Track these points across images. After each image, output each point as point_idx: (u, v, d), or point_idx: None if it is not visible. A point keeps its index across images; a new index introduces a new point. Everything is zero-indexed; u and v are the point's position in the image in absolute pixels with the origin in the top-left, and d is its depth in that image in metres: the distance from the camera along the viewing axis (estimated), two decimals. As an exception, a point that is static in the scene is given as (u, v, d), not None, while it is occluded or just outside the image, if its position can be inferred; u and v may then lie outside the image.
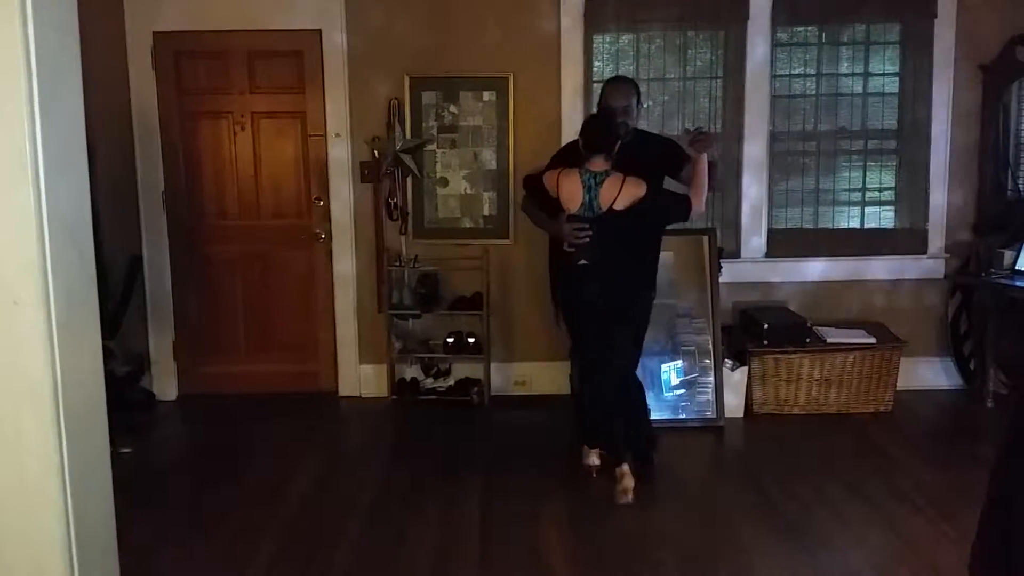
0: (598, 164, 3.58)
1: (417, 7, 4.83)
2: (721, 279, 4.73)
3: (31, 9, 1.70)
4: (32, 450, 1.81)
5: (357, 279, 5.04)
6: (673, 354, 4.60)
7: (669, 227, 3.93)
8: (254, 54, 4.90)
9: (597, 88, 4.88)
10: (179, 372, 5.12)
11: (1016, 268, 4.63)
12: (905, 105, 4.99)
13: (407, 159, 4.85)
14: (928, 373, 5.09)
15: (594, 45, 4.91)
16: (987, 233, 4.92)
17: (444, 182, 4.97)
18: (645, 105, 4.04)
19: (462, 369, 5.07)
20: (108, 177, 4.58)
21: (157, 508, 3.69)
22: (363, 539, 3.40)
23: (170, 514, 3.66)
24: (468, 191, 4.97)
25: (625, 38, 4.96)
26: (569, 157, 3.77)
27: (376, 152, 4.90)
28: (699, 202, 3.63)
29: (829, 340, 4.69)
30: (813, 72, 5.00)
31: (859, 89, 5.00)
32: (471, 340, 4.93)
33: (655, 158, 3.80)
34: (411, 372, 5.09)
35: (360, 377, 5.10)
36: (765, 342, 4.66)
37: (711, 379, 4.60)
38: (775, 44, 4.92)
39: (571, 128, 4.81)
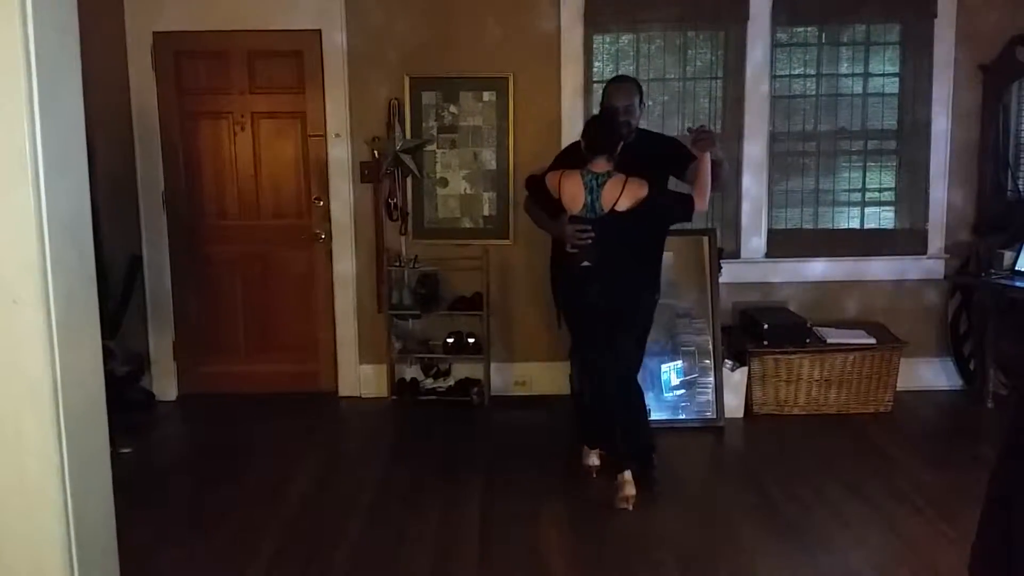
0: (600, 165, 3.57)
1: (417, 7, 4.83)
2: (721, 279, 4.73)
3: (31, 9, 1.70)
4: (32, 450, 1.81)
5: (357, 279, 5.04)
6: (673, 354, 4.60)
7: (672, 227, 3.93)
8: (254, 54, 4.90)
9: (597, 88, 4.88)
10: (179, 372, 5.12)
11: (1016, 268, 4.63)
12: (905, 105, 4.99)
13: (407, 159, 4.85)
14: (928, 373, 5.09)
15: (594, 45, 4.91)
16: (987, 233, 4.92)
17: (444, 182, 4.97)
18: (647, 104, 4.03)
19: (462, 369, 5.07)
20: (108, 177, 4.59)
21: (157, 508, 3.68)
22: (363, 539, 3.40)
23: (170, 514, 3.66)
24: (468, 191, 4.97)
25: (625, 38, 4.96)
26: (572, 158, 3.75)
27: (376, 152, 4.90)
28: (702, 202, 3.61)
29: (829, 340, 4.69)
30: (813, 72, 5.01)
31: (859, 89, 5.00)
32: (471, 340, 4.93)
33: (659, 158, 3.78)
34: (411, 372, 5.09)
35: (360, 377, 5.10)
36: (765, 342, 4.66)
37: (711, 379, 4.60)
38: (775, 44, 4.92)
39: (571, 128, 4.82)
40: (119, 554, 2.08)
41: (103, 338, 2.03)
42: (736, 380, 4.67)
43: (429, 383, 5.07)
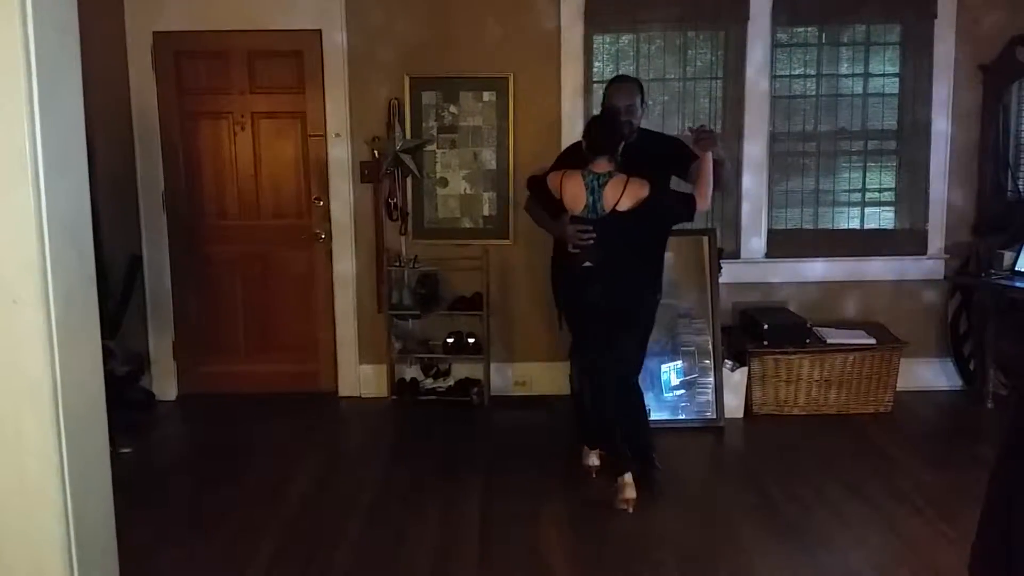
0: (601, 166, 3.56)
1: (417, 7, 4.83)
2: (721, 279, 4.73)
3: (31, 8, 1.70)
4: (32, 450, 1.81)
5: (357, 279, 5.04)
6: (673, 354, 4.60)
7: (673, 227, 3.93)
8: (254, 54, 4.90)
9: (597, 88, 4.89)
10: (179, 372, 5.12)
11: (1016, 269, 4.63)
12: (905, 105, 4.99)
13: (407, 159, 4.85)
14: (928, 374, 5.09)
15: (594, 45, 4.91)
16: (987, 234, 4.92)
17: (444, 182, 4.97)
18: (648, 104, 4.03)
19: (462, 369, 5.07)
20: (108, 177, 4.59)
21: (157, 508, 3.68)
22: (363, 539, 3.40)
23: (170, 514, 3.66)
24: (468, 191, 4.97)
25: (625, 38, 4.96)
26: (573, 158, 3.74)
27: (376, 152, 4.90)
28: (703, 201, 3.59)
29: (829, 341, 4.69)
30: (813, 73, 5.00)
31: (859, 90, 5.00)
32: (471, 340, 4.93)
33: (662, 157, 3.77)
34: (411, 372, 5.09)
35: (360, 377, 5.10)
36: (765, 343, 4.66)
37: (711, 380, 4.60)
38: (775, 44, 4.92)
39: (571, 128, 4.82)
40: (119, 554, 2.08)
41: (103, 338, 2.03)
42: (736, 380, 4.67)
43: (429, 383, 5.07)
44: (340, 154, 4.93)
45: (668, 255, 4.04)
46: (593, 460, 3.92)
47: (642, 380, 3.94)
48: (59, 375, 1.80)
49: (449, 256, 4.94)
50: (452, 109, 4.90)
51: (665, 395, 4.57)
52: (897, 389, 4.76)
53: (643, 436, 3.88)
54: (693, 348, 4.62)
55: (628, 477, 3.60)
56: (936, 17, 4.84)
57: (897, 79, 4.99)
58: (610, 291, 3.59)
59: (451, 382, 5.06)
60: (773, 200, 5.03)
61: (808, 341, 4.69)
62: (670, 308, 4.54)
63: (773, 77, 4.93)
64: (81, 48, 1.92)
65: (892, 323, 4.96)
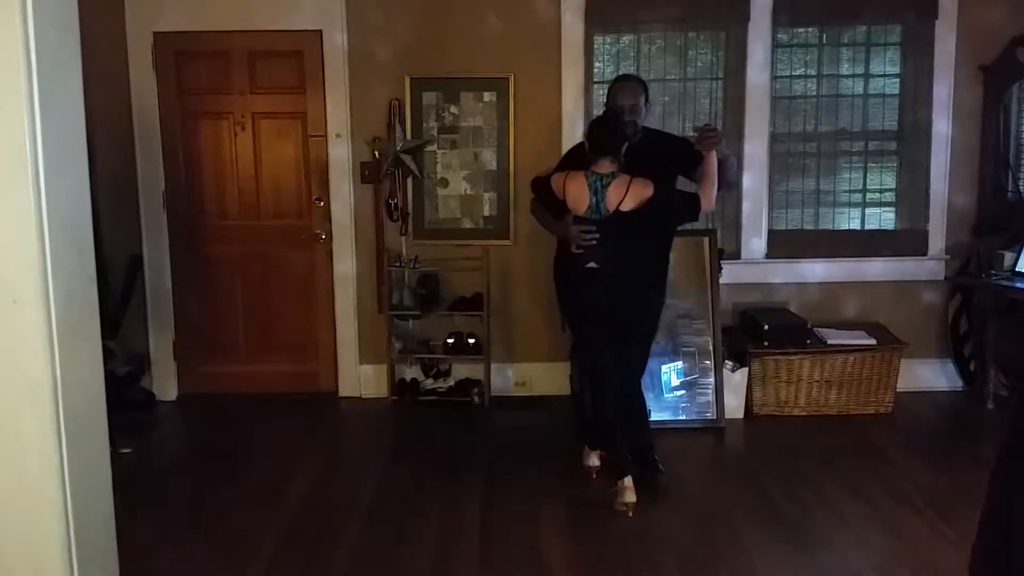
0: (604, 166, 3.55)
1: (418, 7, 4.83)
2: (721, 280, 4.72)
3: (31, 8, 1.70)
4: (32, 450, 1.80)
5: (357, 279, 5.04)
6: (673, 355, 4.59)
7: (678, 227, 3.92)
8: (255, 54, 4.90)
9: (598, 89, 4.89)
10: (179, 372, 5.12)
11: (1016, 269, 4.62)
12: (906, 106, 4.99)
13: (407, 160, 4.85)
14: (928, 374, 5.08)
15: (595, 46, 4.91)
16: (987, 234, 4.91)
17: (444, 183, 4.97)
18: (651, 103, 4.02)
19: (462, 370, 5.06)
20: (108, 176, 4.59)
21: (157, 508, 3.68)
22: (363, 539, 3.40)
23: (170, 514, 3.66)
24: (468, 192, 4.97)
25: (626, 39, 4.96)
26: (577, 159, 3.72)
27: (376, 153, 4.90)
28: (708, 201, 3.57)
29: (829, 341, 4.69)
30: (814, 73, 5.00)
31: (860, 90, 5.00)
32: (471, 341, 4.93)
33: (667, 157, 3.74)
34: (411, 373, 5.09)
35: (360, 377, 5.10)
36: (765, 343, 4.66)
37: (711, 380, 4.60)
38: (776, 45, 4.92)
39: (571, 129, 4.82)
40: (119, 554, 2.08)
41: (103, 338, 2.03)
42: (736, 381, 4.67)
43: (429, 383, 5.07)
44: (341, 154, 4.93)
45: (670, 255, 4.02)
46: (593, 461, 3.92)
47: (643, 381, 3.94)
48: (59, 375, 1.80)
49: (449, 256, 4.94)
50: (453, 109, 4.90)
51: (665, 396, 4.57)
52: (897, 390, 4.75)
53: (644, 438, 3.87)
54: (693, 349, 4.62)
55: (628, 481, 3.59)
56: (937, 18, 4.84)
57: (898, 79, 4.99)
58: (613, 292, 3.58)
59: (451, 382, 5.06)
60: (773, 200, 5.03)
61: (808, 342, 4.69)
62: (671, 308, 4.53)
63: (774, 77, 4.93)
64: (81, 47, 1.91)
65: (892, 324, 4.96)
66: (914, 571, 3.12)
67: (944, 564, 3.13)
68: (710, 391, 4.60)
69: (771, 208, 5.03)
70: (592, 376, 3.82)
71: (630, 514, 3.54)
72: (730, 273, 4.82)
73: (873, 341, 4.70)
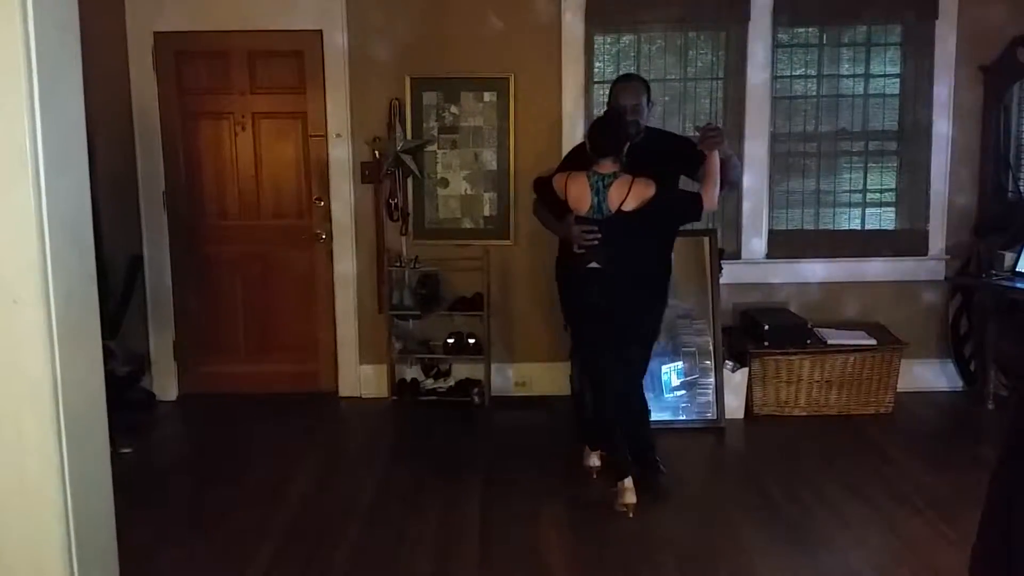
0: (606, 166, 3.53)
1: (418, 7, 4.83)
2: (722, 280, 4.72)
3: (32, 7, 1.70)
4: (32, 450, 1.80)
5: (357, 279, 5.04)
6: (674, 355, 4.59)
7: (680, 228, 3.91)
8: (255, 54, 4.90)
9: (598, 88, 4.89)
10: (179, 372, 5.12)
11: (1017, 270, 4.62)
12: (906, 106, 4.99)
13: (408, 160, 4.84)
14: (928, 375, 5.08)
15: (595, 46, 4.91)
16: (988, 234, 4.91)
17: (445, 183, 4.97)
18: (654, 103, 4.00)
19: (462, 370, 5.06)
20: (108, 176, 4.59)
21: (157, 508, 3.68)
22: (363, 539, 3.40)
23: (170, 514, 3.66)
24: (469, 192, 4.97)
25: (626, 39, 4.96)
26: (579, 159, 3.71)
27: (377, 152, 4.90)
28: (711, 200, 3.55)
29: (829, 341, 4.69)
30: (814, 73, 5.00)
31: (860, 90, 5.00)
32: (471, 341, 4.93)
33: (670, 157, 3.73)
34: (411, 373, 5.09)
35: (360, 377, 5.10)
36: (766, 343, 4.65)
37: (712, 380, 4.60)
38: (776, 45, 4.92)
39: (572, 129, 4.82)
40: (119, 554, 2.08)
41: (103, 338, 2.03)
42: (737, 381, 4.67)
43: (429, 383, 5.07)
44: (341, 154, 4.93)
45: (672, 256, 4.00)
46: (594, 461, 3.92)
47: (643, 381, 3.93)
48: (59, 375, 1.80)
49: (450, 256, 4.94)
50: (453, 109, 4.90)
51: (666, 396, 4.57)
52: (898, 390, 4.75)
53: (645, 438, 3.87)
54: (694, 349, 4.62)
55: (628, 482, 3.58)
56: (937, 18, 4.84)
57: (898, 80, 4.99)
58: (615, 292, 3.56)
59: (451, 382, 5.06)
60: (774, 200, 5.03)
61: (809, 342, 4.69)
62: (671, 308, 4.51)
63: (774, 77, 4.93)
64: (82, 47, 1.92)
65: (893, 324, 4.96)
66: (914, 571, 3.12)
67: (944, 564, 3.13)
68: (710, 391, 4.59)
69: (771, 208, 5.02)
70: (592, 376, 3.82)
71: (630, 515, 3.54)
72: (730, 273, 4.82)
73: (873, 341, 4.70)
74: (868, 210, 5.10)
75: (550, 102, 4.87)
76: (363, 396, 5.09)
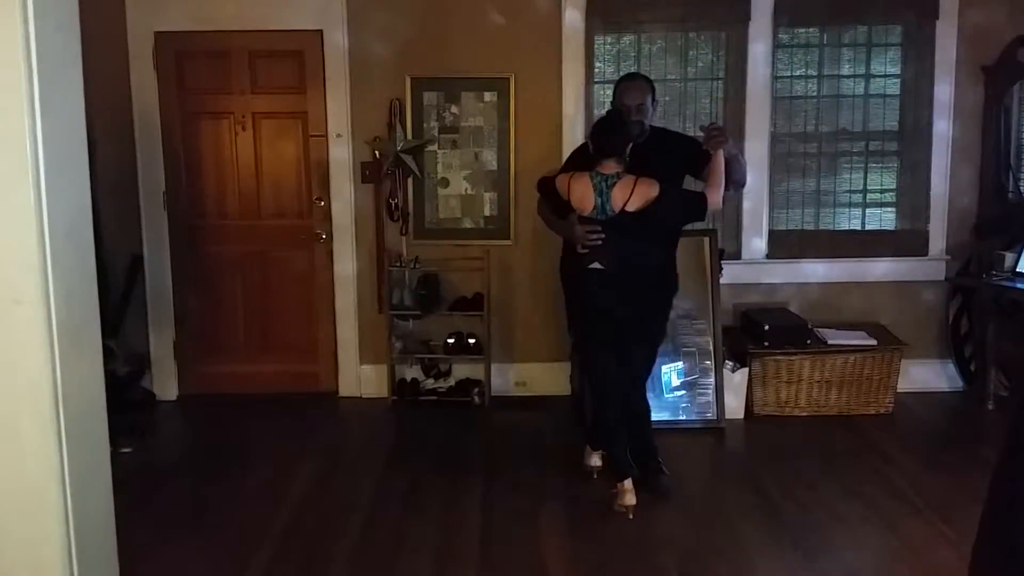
0: (609, 167, 3.51)
1: (418, 7, 4.83)
2: (722, 280, 4.72)
3: (32, 7, 1.70)
4: (32, 450, 1.80)
5: (358, 279, 5.04)
6: (674, 355, 4.59)
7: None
8: (255, 54, 4.89)
9: (599, 89, 4.89)
10: (179, 372, 5.12)
11: (1017, 270, 4.62)
12: (906, 106, 4.99)
13: (408, 159, 4.84)
14: (929, 375, 5.08)
15: (596, 46, 4.90)
16: (988, 235, 4.91)
17: (445, 183, 4.97)
18: (658, 102, 3.98)
19: (462, 370, 5.06)
20: (109, 176, 4.59)
21: (157, 508, 3.69)
22: (363, 540, 3.40)
23: (170, 514, 3.66)
24: (469, 192, 4.97)
25: (627, 39, 4.96)
26: (583, 159, 3.70)
27: (377, 152, 4.90)
28: (715, 200, 3.54)
29: (830, 342, 4.68)
30: (814, 73, 5.00)
31: (860, 90, 5.00)
32: (471, 341, 4.93)
33: (675, 157, 3.71)
34: (411, 373, 5.09)
35: (360, 377, 5.10)
36: (766, 343, 4.65)
37: (712, 380, 4.60)
38: (776, 45, 4.91)
39: (572, 129, 4.82)
40: (119, 554, 2.08)
41: (104, 338, 2.03)
42: (737, 381, 4.67)
43: (429, 383, 5.07)
44: (341, 154, 4.93)
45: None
46: (595, 461, 3.91)
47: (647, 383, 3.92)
48: (59, 375, 1.80)
49: (450, 256, 4.94)
50: (453, 109, 4.90)
51: (666, 396, 4.57)
52: (898, 390, 4.75)
53: (647, 439, 3.86)
54: (694, 349, 4.62)
55: (628, 483, 3.58)
56: (937, 18, 4.84)
57: (898, 80, 4.99)
58: (618, 293, 3.55)
59: (451, 382, 5.06)
60: (774, 201, 5.03)
61: (809, 342, 4.69)
62: (671, 309, 4.53)
63: (774, 78, 4.93)
64: (82, 47, 1.91)
65: (893, 324, 4.96)
66: (914, 571, 3.12)
67: (944, 564, 3.13)
68: (710, 391, 4.59)
69: (772, 208, 5.02)
70: (593, 377, 3.81)
71: (630, 516, 3.54)
72: (730, 273, 4.82)
73: (874, 341, 4.70)
74: (868, 210, 5.10)
75: (550, 102, 4.86)
76: (363, 396, 5.09)
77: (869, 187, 5.08)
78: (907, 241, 5.05)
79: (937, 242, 5.02)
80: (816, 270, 5.04)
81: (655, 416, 4.28)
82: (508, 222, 4.95)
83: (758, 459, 4.22)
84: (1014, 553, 1.75)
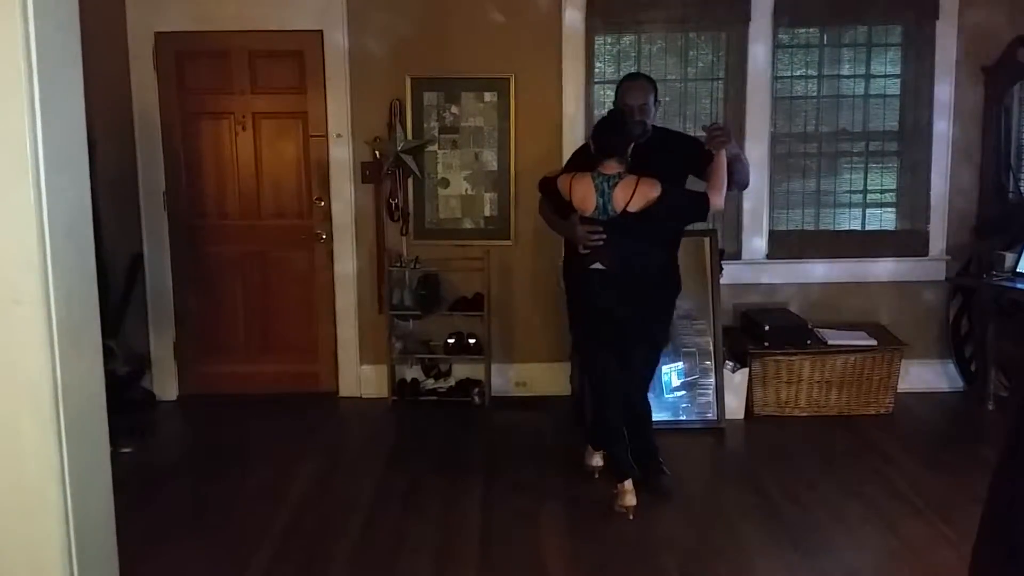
0: (611, 167, 3.50)
1: (418, 8, 4.83)
2: (722, 280, 4.72)
3: (32, 7, 1.70)
4: (32, 451, 1.80)
5: (358, 280, 5.04)
6: (674, 355, 4.59)
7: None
8: (255, 54, 4.89)
9: (599, 89, 4.89)
10: (179, 372, 5.12)
11: (1017, 270, 4.62)
12: (906, 107, 4.99)
13: (408, 160, 4.84)
14: (929, 375, 5.08)
15: (596, 46, 4.90)
16: (988, 235, 4.91)
17: (445, 183, 4.97)
18: (661, 102, 3.97)
19: (462, 370, 5.06)
20: (109, 176, 4.58)
21: (157, 508, 3.69)
22: (363, 540, 3.40)
23: (170, 514, 3.66)
24: (469, 192, 4.97)
25: (627, 39, 4.96)
26: (584, 159, 3.69)
27: (377, 153, 4.90)
28: (718, 200, 3.52)
29: (830, 342, 4.68)
30: (815, 74, 5.00)
31: (860, 91, 5.00)
32: (472, 341, 4.93)
33: (677, 157, 3.70)
34: (411, 373, 5.09)
35: (360, 378, 5.10)
36: (766, 344, 4.65)
37: (712, 381, 4.60)
38: (776, 46, 4.91)
39: (572, 129, 4.82)
40: (119, 554, 2.08)
41: (104, 338, 2.02)
42: (737, 381, 4.67)
43: (430, 384, 5.07)
44: (341, 154, 4.93)
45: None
46: (597, 460, 3.91)
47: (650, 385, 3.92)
48: (59, 375, 1.79)
49: (450, 257, 4.94)
50: (453, 110, 4.90)
51: (666, 396, 4.56)
52: (898, 390, 4.75)
53: (648, 441, 3.85)
54: (694, 349, 4.62)
55: (628, 484, 3.57)
56: (937, 18, 4.84)
57: (898, 80, 4.99)
58: (620, 294, 3.54)
59: (452, 383, 5.06)
60: (774, 201, 5.03)
61: (809, 342, 4.69)
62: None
63: (774, 78, 4.92)
64: (82, 47, 1.91)
65: (893, 324, 4.96)
66: (914, 571, 3.12)
67: (944, 564, 3.13)
68: (711, 392, 4.59)
69: (772, 208, 5.02)
70: (593, 377, 3.80)
71: (630, 516, 3.53)
72: (731, 273, 4.82)
73: (874, 342, 4.70)
74: (868, 210, 5.10)
75: (551, 102, 4.86)
76: (363, 396, 5.09)
77: (869, 187, 5.08)
78: (907, 241, 5.05)
79: (937, 242, 5.02)
80: (816, 270, 5.04)
81: (655, 416, 4.28)
82: (508, 222, 4.95)
83: (758, 459, 4.22)
84: (1014, 553, 1.75)
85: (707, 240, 4.69)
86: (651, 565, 3.18)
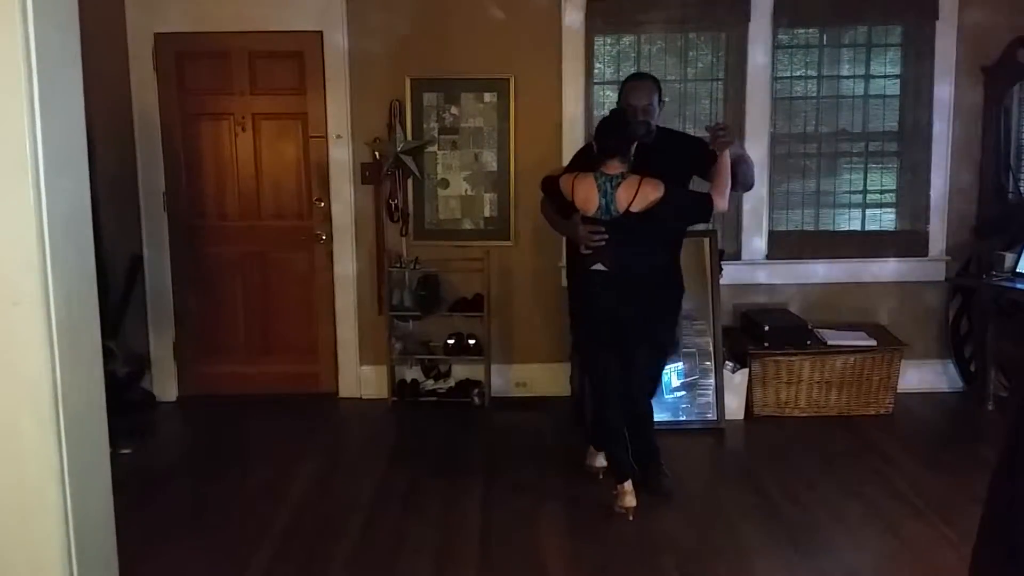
0: (613, 167, 3.48)
1: (418, 9, 4.83)
2: (722, 281, 4.72)
3: (32, 7, 1.70)
4: (31, 451, 1.80)
5: (357, 280, 5.04)
6: (674, 356, 4.58)
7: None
8: (255, 55, 4.90)
9: (599, 89, 4.89)
10: (179, 372, 5.12)
11: (1017, 270, 4.62)
12: (906, 107, 4.99)
13: (408, 160, 4.84)
14: (929, 375, 5.08)
15: (595, 47, 4.90)
16: (988, 235, 4.91)
17: (445, 183, 4.97)
18: (665, 101, 3.96)
19: (462, 371, 5.06)
20: (109, 177, 4.58)
21: (157, 508, 3.69)
22: (363, 540, 3.40)
23: (170, 514, 3.65)
24: (469, 192, 4.97)
25: (627, 39, 4.96)
26: (587, 159, 3.67)
27: (377, 153, 4.90)
28: (721, 201, 3.50)
29: (830, 342, 4.68)
30: (814, 74, 5.00)
31: (860, 91, 5.00)
32: (471, 342, 4.93)
33: (680, 157, 3.69)
34: (411, 374, 5.09)
35: (360, 378, 5.10)
36: (766, 344, 4.65)
37: (712, 381, 4.60)
38: (776, 46, 4.91)
39: (572, 129, 4.82)
40: (119, 554, 2.08)
41: (103, 338, 2.03)
42: (737, 382, 4.67)
43: (429, 384, 5.07)
44: (341, 155, 4.93)
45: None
46: (599, 461, 3.89)
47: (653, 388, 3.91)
48: (59, 375, 1.80)
49: (450, 257, 4.94)
50: (453, 110, 4.90)
51: (666, 397, 4.56)
52: (898, 391, 4.75)
53: (649, 442, 3.84)
54: (694, 349, 4.62)
55: (628, 485, 3.57)
56: (937, 19, 4.84)
57: (898, 80, 4.99)
58: (621, 294, 3.53)
59: (451, 383, 5.06)
60: (774, 201, 5.03)
61: (809, 343, 4.68)
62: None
63: (774, 78, 4.92)
64: (82, 48, 1.91)
65: (893, 325, 4.96)
66: (914, 571, 3.12)
67: (944, 564, 3.13)
68: (710, 392, 4.59)
69: (771, 209, 5.02)
70: (594, 378, 3.79)
71: (630, 517, 3.53)
72: (730, 274, 4.81)
73: (873, 342, 4.70)
74: (868, 211, 5.10)
75: (550, 103, 4.86)
76: (363, 397, 5.09)
77: (869, 188, 5.08)
78: (907, 242, 5.05)
79: (937, 243, 5.02)
80: (816, 270, 5.04)
81: (655, 417, 4.28)
82: (508, 223, 4.95)
83: (758, 459, 4.22)
84: (1014, 553, 1.75)
85: (707, 240, 4.69)
86: (651, 565, 3.18)
